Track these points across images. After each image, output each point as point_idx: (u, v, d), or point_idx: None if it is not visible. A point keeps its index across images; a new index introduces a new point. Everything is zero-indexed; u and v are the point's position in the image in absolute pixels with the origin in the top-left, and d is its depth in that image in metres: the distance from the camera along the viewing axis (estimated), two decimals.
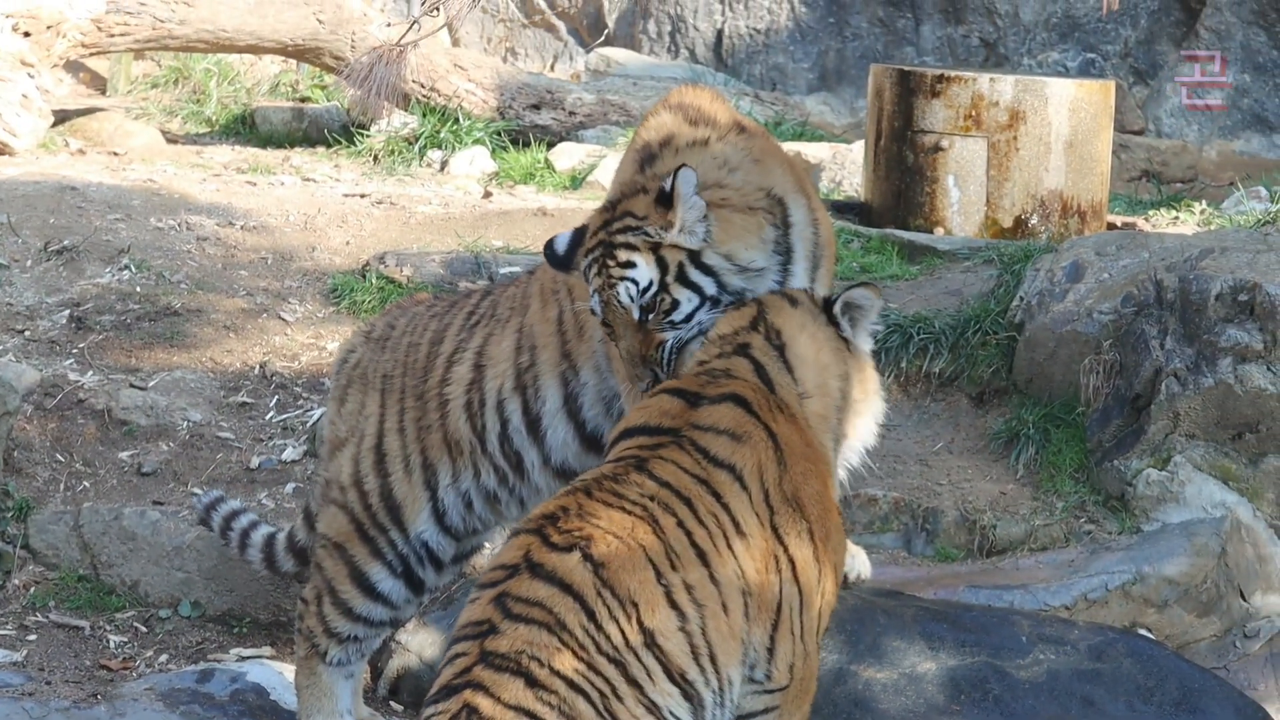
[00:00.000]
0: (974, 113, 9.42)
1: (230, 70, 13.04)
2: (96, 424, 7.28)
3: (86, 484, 7.04)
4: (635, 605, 4.16)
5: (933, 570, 6.49)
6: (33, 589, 6.61)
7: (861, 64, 13.68)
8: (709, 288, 4.75)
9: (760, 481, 4.45)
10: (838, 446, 4.77)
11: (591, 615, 4.12)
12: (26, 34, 11.12)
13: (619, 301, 4.73)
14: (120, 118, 11.94)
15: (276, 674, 5.98)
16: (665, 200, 4.71)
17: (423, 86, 11.56)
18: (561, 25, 15.44)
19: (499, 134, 11.48)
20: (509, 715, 3.99)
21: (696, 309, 4.75)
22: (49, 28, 11.17)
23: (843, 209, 9.93)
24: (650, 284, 4.71)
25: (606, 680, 4.09)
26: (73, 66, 13.08)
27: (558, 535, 4.22)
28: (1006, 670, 5.49)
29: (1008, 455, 7.00)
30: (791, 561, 4.42)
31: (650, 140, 4.96)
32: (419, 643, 6.14)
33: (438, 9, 9.35)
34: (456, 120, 11.46)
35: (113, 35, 11.40)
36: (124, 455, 7.19)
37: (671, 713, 4.19)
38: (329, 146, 11.54)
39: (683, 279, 4.73)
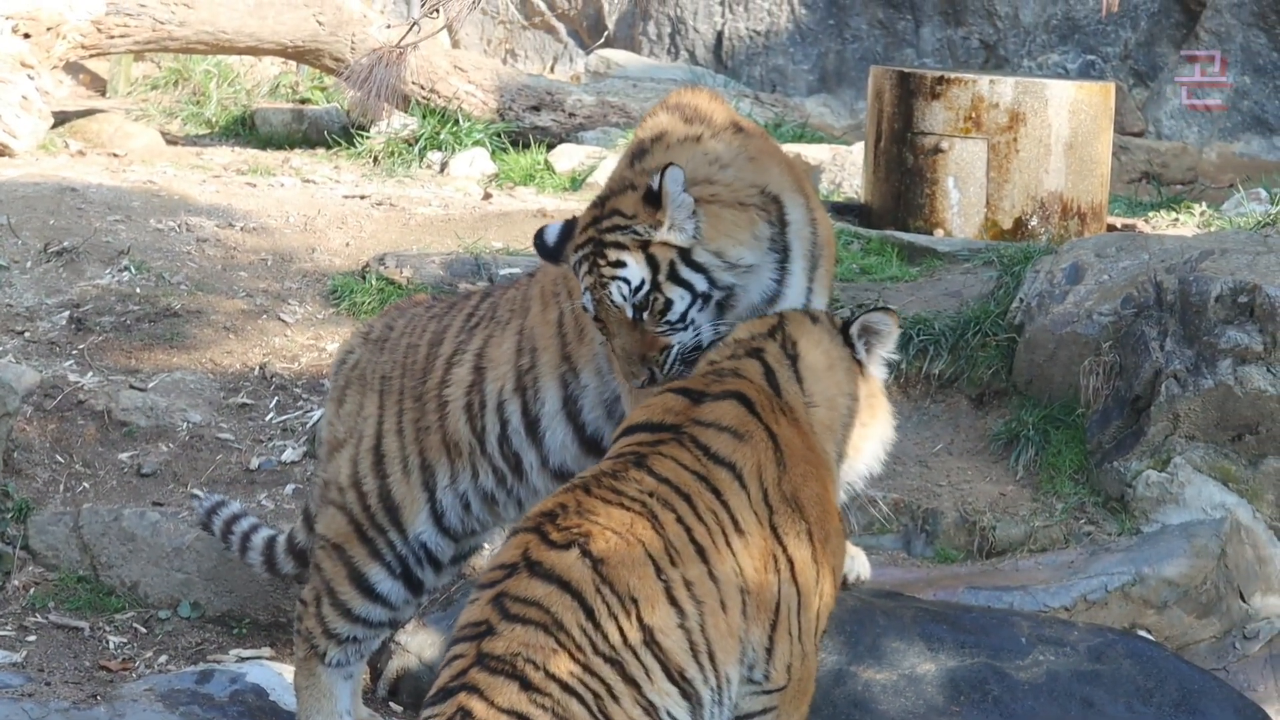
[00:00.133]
0: (974, 114, 9.42)
1: (230, 72, 13.04)
2: (96, 425, 7.28)
3: (86, 485, 7.04)
4: (635, 602, 4.17)
5: (932, 571, 6.49)
6: (32, 590, 6.61)
7: (861, 66, 13.68)
8: (700, 284, 4.75)
9: (759, 480, 4.45)
10: (840, 463, 4.76)
11: (590, 613, 4.12)
12: (26, 35, 11.12)
13: (612, 301, 4.73)
14: (120, 119, 11.94)
15: (276, 675, 5.98)
16: (653, 199, 4.70)
17: (422, 88, 11.56)
18: (561, 27, 15.44)
19: (499, 135, 11.48)
20: (502, 718, 3.99)
21: (689, 307, 4.75)
22: (49, 29, 11.17)
23: (843, 210, 9.94)
24: (642, 283, 4.71)
25: (602, 681, 4.09)
26: (72, 68, 13.08)
27: (556, 533, 4.22)
28: (1006, 671, 5.49)
29: (1007, 456, 7.00)
30: (790, 561, 4.42)
31: (644, 138, 4.97)
32: (418, 643, 6.14)
33: (437, 11, 9.36)
34: (456, 122, 11.47)
35: (112, 37, 11.40)
36: (124, 456, 7.19)
37: (669, 713, 4.18)
38: (329, 148, 11.54)
39: (674, 277, 4.73)
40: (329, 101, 12.58)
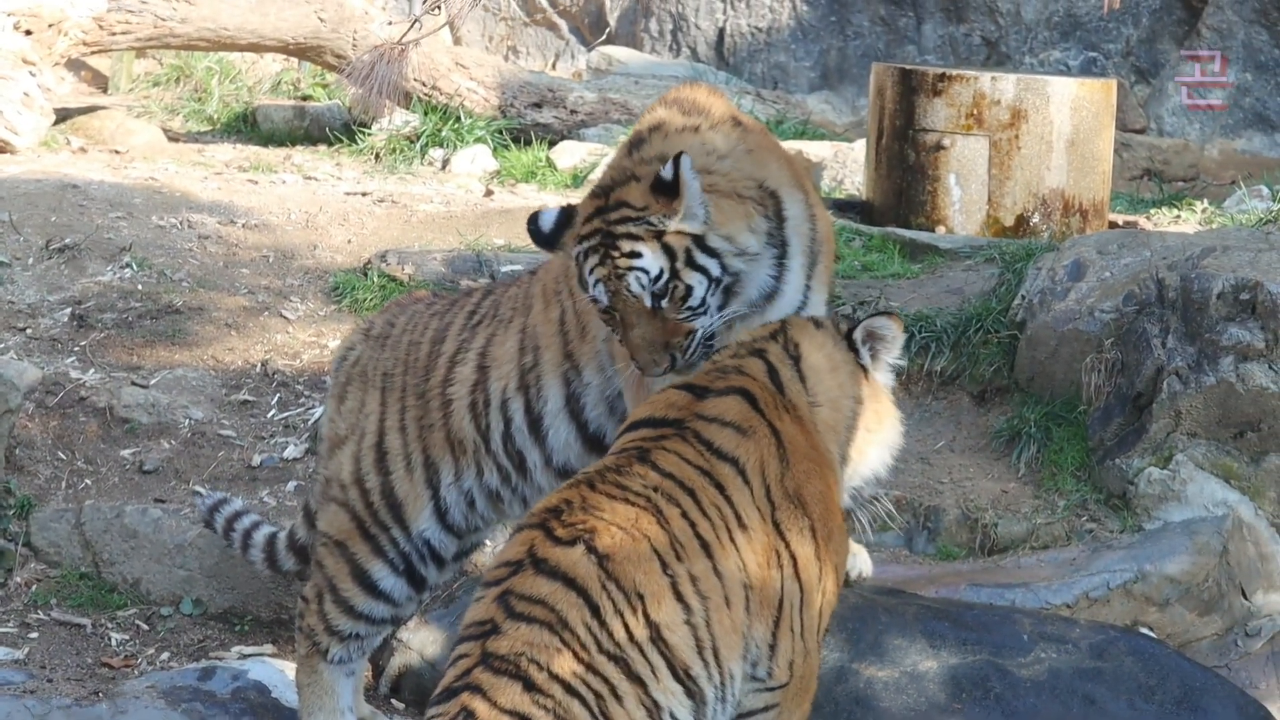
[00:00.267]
0: (976, 111, 9.42)
1: (232, 68, 13.04)
2: (98, 422, 7.28)
3: (88, 482, 7.04)
4: (641, 598, 4.17)
5: (934, 568, 6.49)
6: (34, 587, 6.61)
7: (863, 63, 13.68)
8: (714, 269, 4.75)
9: (762, 476, 4.45)
10: (843, 466, 4.75)
11: (596, 610, 4.12)
12: (28, 32, 11.12)
13: (630, 291, 4.72)
14: (122, 116, 11.94)
15: (278, 672, 5.98)
16: (664, 188, 4.69)
17: (424, 85, 11.55)
18: (563, 24, 15.44)
19: (500, 132, 11.48)
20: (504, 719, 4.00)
21: (707, 291, 4.75)
22: (50, 26, 11.17)
23: (844, 207, 9.93)
24: (661, 272, 4.71)
25: (606, 681, 4.10)
26: (74, 65, 13.08)
27: (562, 529, 4.23)
28: (1008, 669, 5.49)
29: (1009, 454, 7.00)
30: (793, 558, 4.42)
31: (641, 129, 4.96)
32: (420, 640, 6.14)
33: (439, 7, 9.36)
34: (458, 119, 11.46)
35: (114, 33, 11.40)
36: (125, 453, 7.19)
37: (672, 713, 4.19)
38: (330, 145, 11.54)
39: (691, 263, 4.73)
40: (331, 98, 12.58)
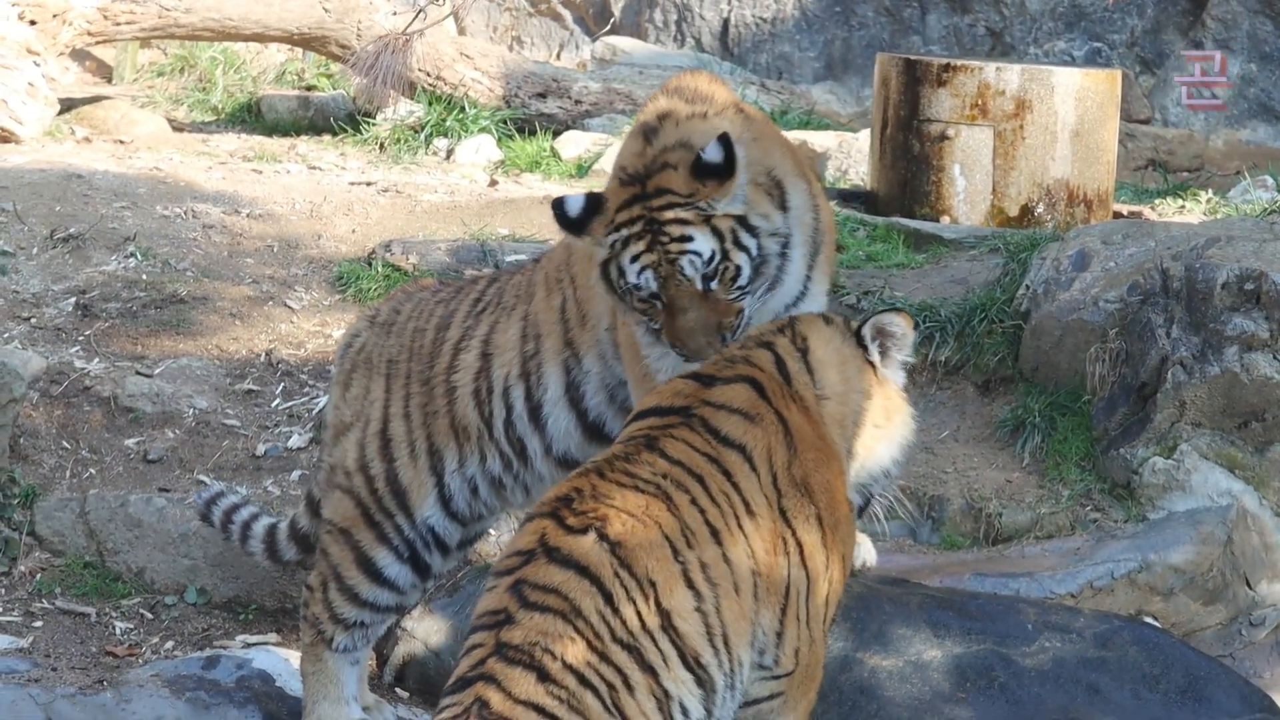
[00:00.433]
0: (980, 102, 9.41)
1: (236, 58, 13.02)
2: (102, 411, 7.29)
3: (92, 471, 7.05)
4: (653, 585, 4.17)
5: (938, 558, 6.49)
6: (39, 575, 6.62)
7: (868, 53, 13.66)
8: (754, 249, 4.77)
9: (769, 463, 4.45)
10: (851, 460, 4.75)
11: (609, 598, 4.13)
12: (33, 22, 11.12)
13: (684, 275, 4.71)
14: (126, 106, 11.94)
15: (282, 660, 5.98)
16: (711, 170, 4.69)
17: (429, 75, 11.55)
18: (567, 14, 15.43)
19: (505, 122, 11.47)
20: (518, 710, 4.00)
21: (751, 270, 4.77)
22: (55, 16, 11.17)
23: (849, 197, 9.93)
24: (713, 254, 4.71)
25: (619, 670, 4.10)
26: (79, 55, 13.07)
27: (573, 518, 4.23)
28: (1012, 658, 5.49)
29: (1014, 443, 7.00)
30: (799, 545, 4.42)
31: (648, 119, 4.95)
32: (425, 629, 6.14)
33: None
34: (462, 109, 11.46)
35: (119, 24, 11.40)
36: (130, 442, 7.19)
37: (682, 703, 4.19)
38: (335, 135, 11.53)
39: (737, 243, 4.74)
40: (335, 88, 12.57)
